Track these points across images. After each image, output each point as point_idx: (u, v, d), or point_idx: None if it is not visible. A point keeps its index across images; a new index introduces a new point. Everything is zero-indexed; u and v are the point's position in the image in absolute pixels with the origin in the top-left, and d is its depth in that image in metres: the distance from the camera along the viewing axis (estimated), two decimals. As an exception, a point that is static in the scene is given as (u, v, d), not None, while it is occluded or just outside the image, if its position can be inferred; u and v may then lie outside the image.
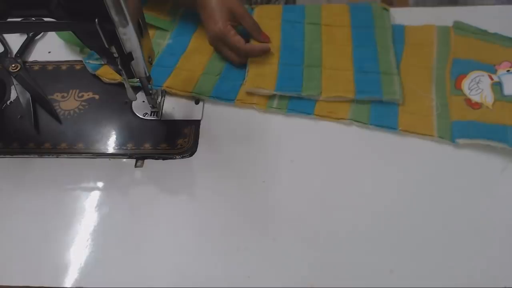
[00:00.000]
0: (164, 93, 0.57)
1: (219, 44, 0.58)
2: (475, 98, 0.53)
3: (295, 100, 0.55)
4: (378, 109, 0.54)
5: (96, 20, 0.39)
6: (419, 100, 0.54)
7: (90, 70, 0.59)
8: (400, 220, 0.46)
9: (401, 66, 0.57)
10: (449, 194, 0.47)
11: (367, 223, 0.46)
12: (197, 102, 0.56)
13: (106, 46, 0.42)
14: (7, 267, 0.46)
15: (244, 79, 0.57)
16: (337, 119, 0.53)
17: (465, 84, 0.54)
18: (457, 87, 0.55)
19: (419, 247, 0.44)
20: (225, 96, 0.56)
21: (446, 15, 0.62)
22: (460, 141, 0.50)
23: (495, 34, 0.59)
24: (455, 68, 0.56)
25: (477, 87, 0.54)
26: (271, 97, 0.55)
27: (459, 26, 0.60)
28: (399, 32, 0.61)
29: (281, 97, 0.55)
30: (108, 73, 0.58)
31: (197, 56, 0.60)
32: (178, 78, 0.57)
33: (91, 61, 0.59)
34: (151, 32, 0.62)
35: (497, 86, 0.53)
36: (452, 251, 0.44)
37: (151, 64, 0.47)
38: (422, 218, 0.46)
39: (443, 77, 0.56)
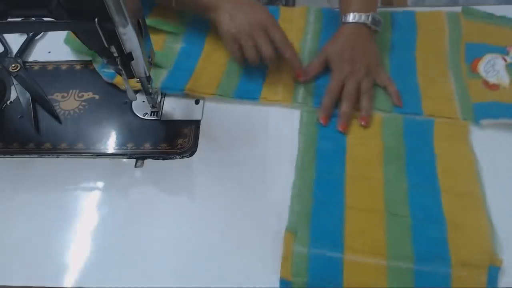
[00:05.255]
0: (164, 93, 0.57)
1: (253, 34, 0.52)
2: (492, 80, 0.54)
3: (319, 95, 0.55)
4: (402, 97, 0.54)
5: (96, 19, 0.39)
6: (438, 85, 0.55)
7: (106, 79, 0.58)
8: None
9: (417, 52, 0.59)
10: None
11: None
12: (197, 102, 0.56)
13: (106, 45, 0.42)
14: (7, 267, 0.46)
15: (264, 75, 0.57)
16: (358, 109, 0.54)
17: (481, 67, 0.56)
18: (473, 70, 0.56)
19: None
20: (249, 95, 0.56)
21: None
22: (484, 121, 0.51)
23: (502, 17, 0.60)
24: (469, 52, 0.57)
25: (493, 69, 0.55)
26: (295, 92, 0.56)
27: (468, 11, 0.62)
28: (410, 17, 0.62)
29: (306, 91, 0.56)
30: None
31: (215, 58, 0.60)
32: (199, 80, 0.57)
33: (106, 70, 0.58)
34: (161, 36, 0.62)
35: (511, 67, 0.55)
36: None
37: (151, 64, 0.47)
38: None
39: (457, 61, 0.57)
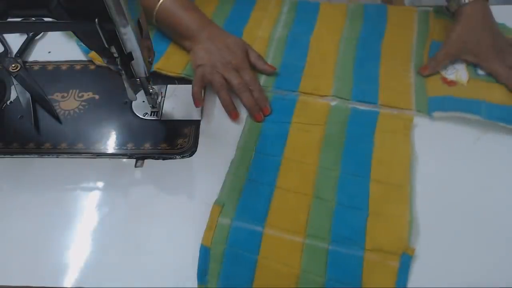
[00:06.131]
0: (165, 93, 0.57)
1: (225, 72, 0.55)
2: (451, 77, 0.56)
3: (281, 77, 0.57)
4: (360, 86, 0.56)
5: (96, 20, 0.39)
6: (399, 77, 0.57)
7: (83, 52, 0.60)
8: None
9: (383, 45, 0.60)
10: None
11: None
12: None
13: (106, 46, 0.42)
14: (7, 267, 0.46)
15: None
16: (321, 95, 0.55)
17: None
18: None
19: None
20: None
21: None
22: (436, 114, 0.52)
23: None
24: (433, 50, 0.59)
25: (453, 67, 0.57)
26: (258, 76, 0.58)
27: (438, 10, 0.64)
28: (381, 11, 0.65)
29: (266, 76, 0.58)
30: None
31: None
32: (168, 61, 0.60)
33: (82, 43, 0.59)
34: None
35: (471, 66, 0.57)
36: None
37: (151, 64, 0.47)
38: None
39: (421, 57, 0.59)
